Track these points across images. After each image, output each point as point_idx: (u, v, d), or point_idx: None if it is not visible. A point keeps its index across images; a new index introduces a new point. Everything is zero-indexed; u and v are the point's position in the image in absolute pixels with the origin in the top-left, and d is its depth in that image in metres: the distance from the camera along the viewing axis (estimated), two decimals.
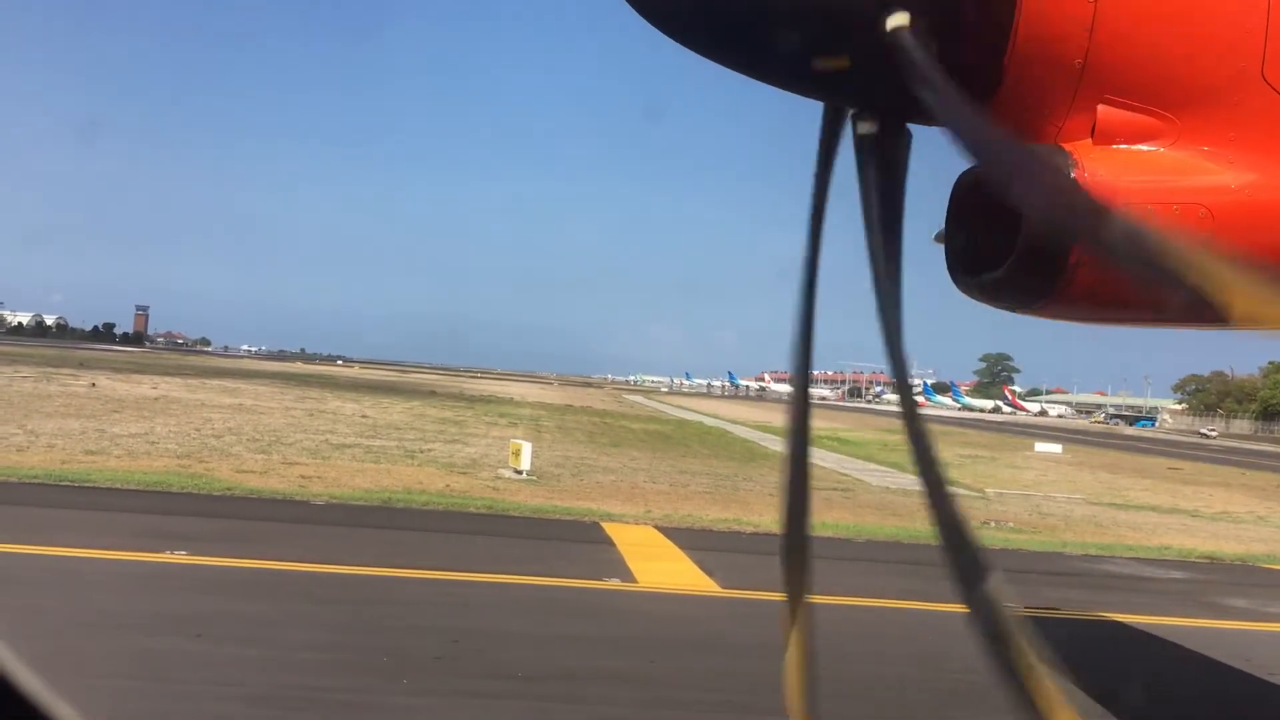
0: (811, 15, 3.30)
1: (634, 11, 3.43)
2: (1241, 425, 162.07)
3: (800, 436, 3.85)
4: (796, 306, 3.78)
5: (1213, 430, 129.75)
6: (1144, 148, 3.46)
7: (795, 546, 3.68)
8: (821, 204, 3.70)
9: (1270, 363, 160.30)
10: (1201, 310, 3.54)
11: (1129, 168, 3.45)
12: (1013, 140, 3.31)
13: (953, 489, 2.94)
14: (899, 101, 3.35)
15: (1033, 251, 3.47)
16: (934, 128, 3.71)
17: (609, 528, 18.88)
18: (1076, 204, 3.08)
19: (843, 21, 3.31)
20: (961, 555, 2.83)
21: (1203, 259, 2.57)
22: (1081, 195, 3.10)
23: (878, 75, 3.33)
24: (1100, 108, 3.47)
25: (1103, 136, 3.48)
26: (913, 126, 3.58)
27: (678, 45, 3.49)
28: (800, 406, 3.89)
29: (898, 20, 3.23)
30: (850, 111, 3.59)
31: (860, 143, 3.52)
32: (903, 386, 3.43)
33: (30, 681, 1.95)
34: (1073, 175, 3.31)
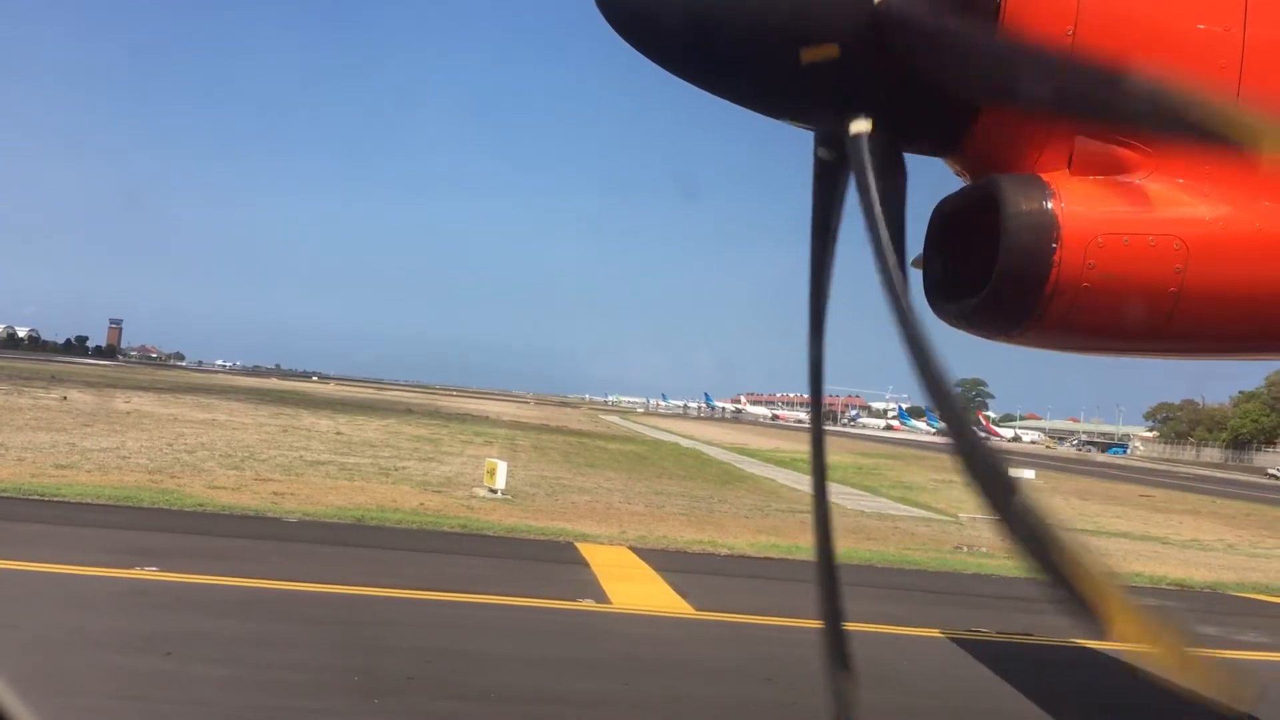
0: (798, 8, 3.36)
1: (626, 42, 3.47)
2: (1212, 453, 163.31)
3: (820, 474, 3.94)
4: (808, 344, 3.81)
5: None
6: (1120, 179, 3.51)
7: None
8: (828, 239, 3.73)
9: (1241, 392, 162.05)
10: (1175, 334, 3.59)
11: (1105, 198, 3.50)
12: (1024, 44, 3.36)
13: (972, 422, 3.00)
14: (885, 104, 3.40)
15: (1009, 281, 3.52)
16: (917, 155, 3.76)
17: (583, 548, 18.82)
18: (1096, 77, 3.14)
19: (831, 7, 3.35)
20: (985, 475, 2.87)
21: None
22: (1099, 68, 3.16)
23: (866, 67, 3.36)
24: (1077, 139, 3.52)
25: (1080, 167, 3.53)
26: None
27: (667, 74, 3.52)
28: (817, 441, 3.96)
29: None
30: (845, 131, 3.61)
31: (857, 151, 3.55)
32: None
33: (8, 698, 1.94)
34: (1087, 61, 3.34)
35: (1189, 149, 3.45)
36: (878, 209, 3.25)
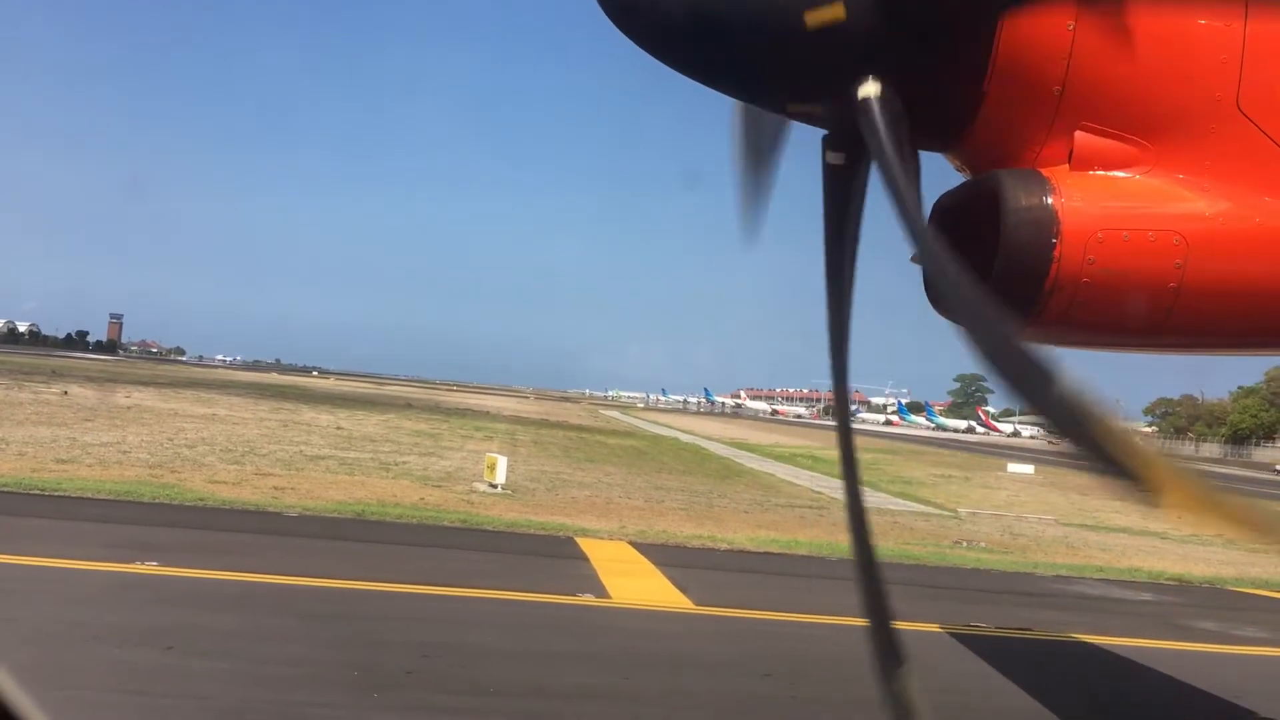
0: (787, 58, 3.34)
1: (628, 39, 3.46)
2: (1211, 449, 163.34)
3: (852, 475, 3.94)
4: (829, 343, 3.79)
5: None
6: (1120, 174, 3.52)
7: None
8: (845, 242, 3.72)
9: (1240, 387, 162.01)
10: (1176, 330, 3.58)
11: (1105, 193, 3.50)
12: (945, 256, 3.32)
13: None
14: (896, 64, 3.38)
15: (1009, 276, 3.52)
16: (920, 151, 3.76)
17: (583, 543, 18.83)
18: (1014, 354, 3.09)
19: (818, 71, 3.35)
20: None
21: (1135, 446, 2.62)
22: (1020, 349, 3.09)
23: (850, 122, 3.35)
24: (1078, 134, 3.52)
25: (1080, 162, 3.53)
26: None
27: (665, 70, 3.51)
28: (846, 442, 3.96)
29: (868, 90, 3.28)
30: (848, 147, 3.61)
31: (827, 170, 3.55)
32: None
33: (10, 689, 1.94)
34: (1011, 322, 3.30)
35: (1189, 144, 3.45)
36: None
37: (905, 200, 3.17)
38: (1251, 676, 13.59)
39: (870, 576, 3.87)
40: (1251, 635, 16.24)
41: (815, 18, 3.29)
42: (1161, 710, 11.87)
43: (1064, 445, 2.74)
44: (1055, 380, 2.79)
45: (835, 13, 3.30)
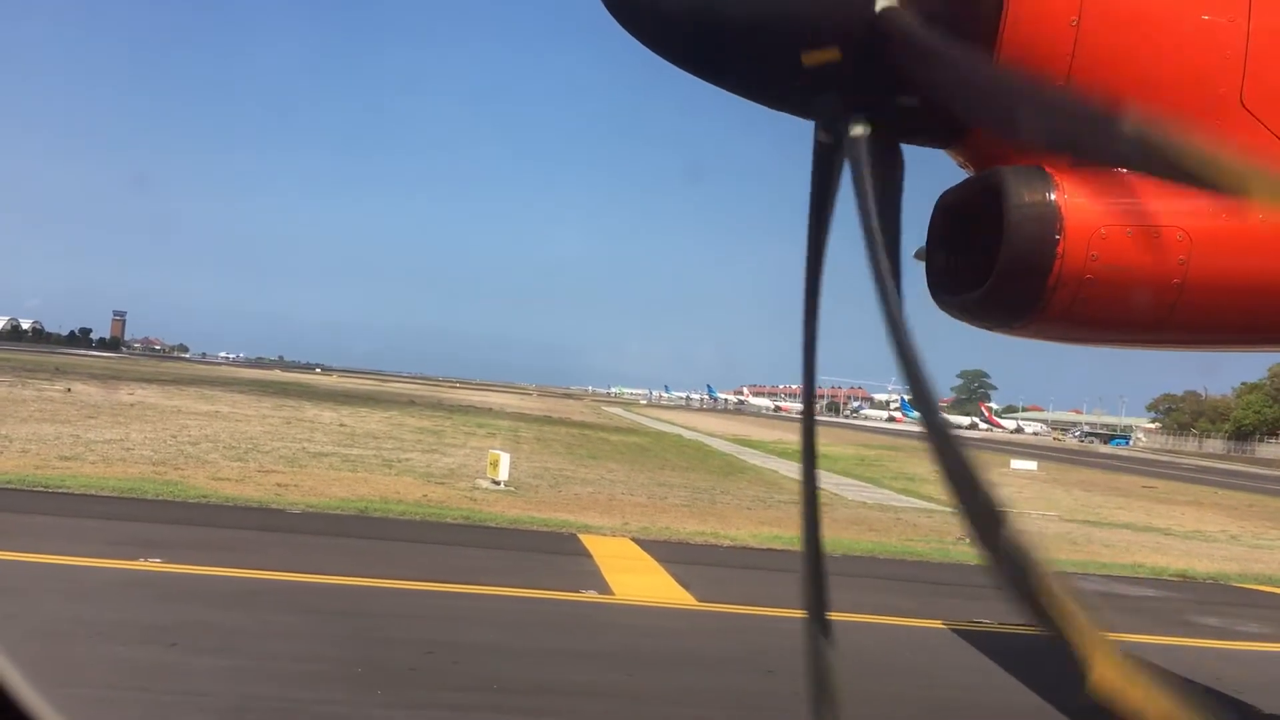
0: (796, 15, 3.32)
1: (629, 34, 3.46)
2: (1215, 445, 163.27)
3: (809, 458, 3.92)
4: (802, 331, 3.78)
5: None
6: (1124, 170, 3.50)
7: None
8: (823, 223, 3.71)
9: (1243, 383, 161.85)
10: (1179, 324, 3.56)
11: (1109, 189, 3.49)
12: (1019, 78, 3.31)
13: (964, 443, 2.94)
14: (885, 102, 3.37)
15: (1011, 273, 3.51)
16: (918, 147, 3.75)
17: (586, 539, 18.84)
18: (1089, 123, 3.08)
19: (831, 15, 3.32)
20: (976, 509, 2.82)
21: (1217, 158, 2.60)
22: (1093, 114, 3.09)
23: (867, 71, 3.34)
24: None
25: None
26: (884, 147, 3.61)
27: (674, 69, 3.51)
28: (808, 423, 3.94)
29: (858, 131, 3.28)
30: (846, 125, 3.59)
31: (818, 150, 3.54)
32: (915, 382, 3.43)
33: (18, 684, 1.95)
34: (1084, 100, 3.30)
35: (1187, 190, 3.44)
36: (874, 218, 3.22)
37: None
38: (1254, 672, 13.59)
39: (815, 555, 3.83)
40: (1255, 631, 16.24)
41: (811, 59, 3.32)
42: None
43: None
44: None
45: (830, 55, 3.33)
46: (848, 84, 3.38)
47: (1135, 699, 2.35)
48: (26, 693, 1.97)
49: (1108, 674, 2.40)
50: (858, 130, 3.35)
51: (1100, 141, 3.00)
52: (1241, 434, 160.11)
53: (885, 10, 3.23)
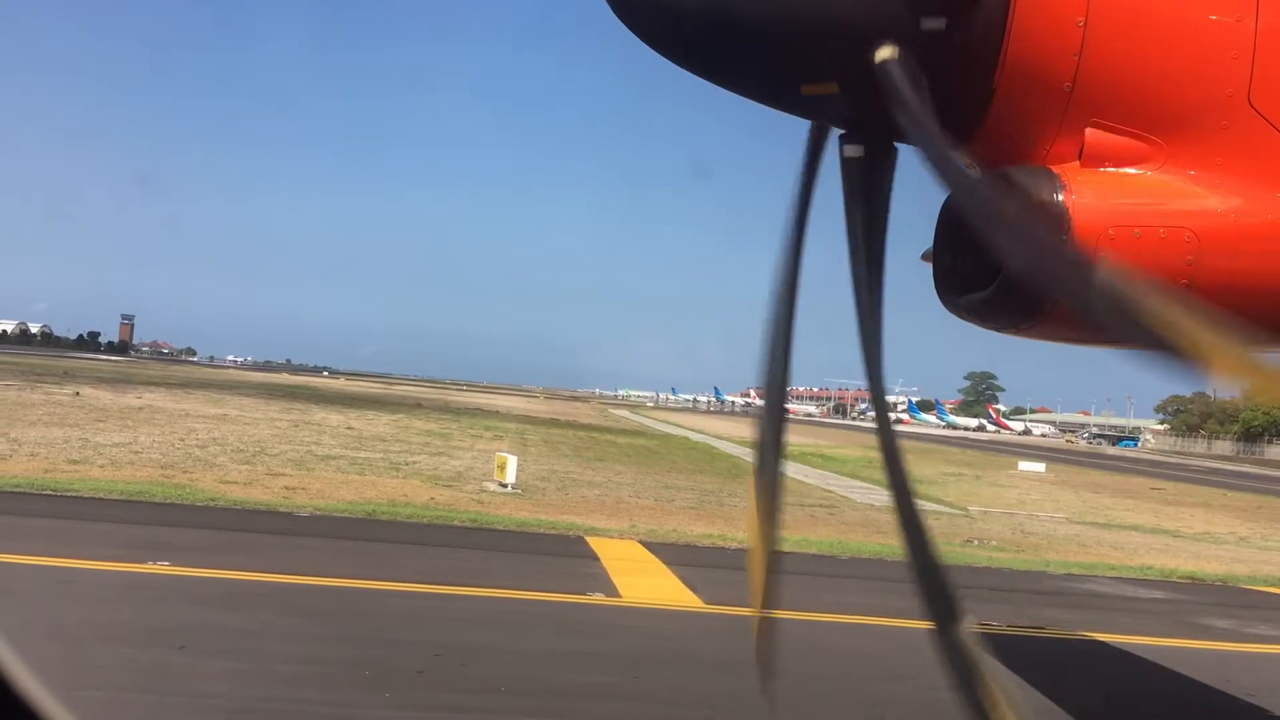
0: (802, 43, 3.33)
1: (631, 31, 3.47)
2: (1223, 446, 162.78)
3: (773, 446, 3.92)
4: (774, 316, 3.79)
5: None
6: (1131, 171, 3.50)
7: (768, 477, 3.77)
8: (803, 219, 3.73)
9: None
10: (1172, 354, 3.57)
11: (1116, 190, 3.48)
12: (989, 181, 3.33)
13: (925, 519, 2.97)
14: (885, 125, 3.38)
15: (1019, 274, 3.50)
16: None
17: (593, 542, 18.84)
18: (1051, 251, 3.10)
19: (833, 49, 3.34)
20: (934, 596, 2.83)
21: (1179, 323, 2.59)
22: (1062, 253, 3.12)
23: (865, 100, 3.36)
24: (1088, 131, 3.50)
25: (1090, 159, 3.51)
26: (901, 147, 3.62)
27: (675, 67, 3.52)
28: (775, 412, 3.94)
29: (886, 53, 3.26)
30: (837, 132, 3.63)
31: (846, 165, 3.55)
32: (879, 405, 3.45)
33: (29, 684, 1.96)
34: (1047, 223, 3.32)
35: (1200, 140, 3.44)
36: (859, 230, 3.24)
37: (939, 143, 3.15)
38: (1264, 674, 13.54)
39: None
40: (1265, 633, 16.17)
41: (810, 90, 3.36)
42: (1174, 708, 11.83)
43: (1110, 333, 2.73)
44: (1095, 272, 2.78)
45: (828, 89, 3.36)
46: (847, 111, 3.41)
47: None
48: (39, 693, 1.98)
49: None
50: (852, 151, 3.39)
51: (1064, 284, 3.03)
52: (1250, 435, 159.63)
53: (882, 64, 3.25)
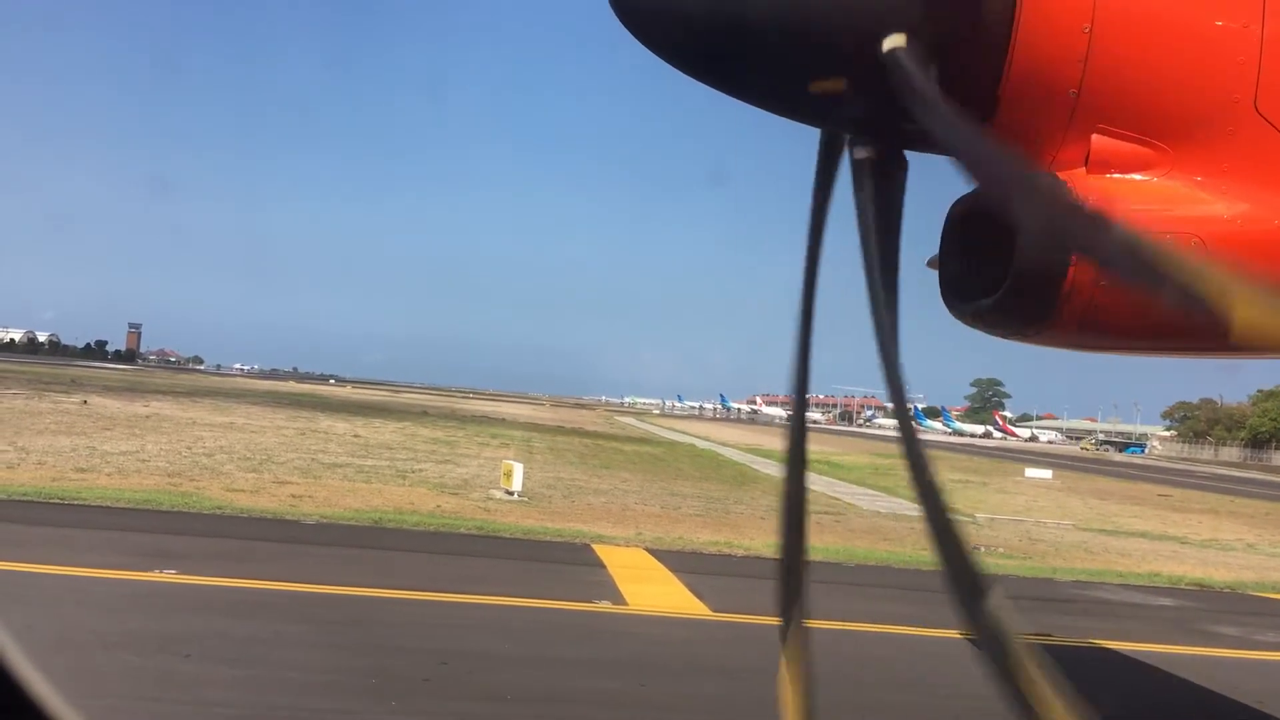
0: (808, 37, 3.33)
1: (635, 38, 3.47)
2: (1230, 452, 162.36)
3: (798, 460, 3.86)
4: (795, 328, 3.79)
5: None
6: (1137, 177, 3.49)
7: (792, 569, 3.69)
8: (820, 227, 3.72)
9: (1259, 390, 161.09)
10: (1195, 331, 3.57)
11: (1122, 197, 3.47)
12: (1010, 157, 3.32)
13: (952, 510, 2.92)
14: (895, 126, 3.38)
15: (1025, 280, 3.49)
16: (929, 154, 3.75)
17: (600, 550, 18.83)
18: (1075, 220, 3.09)
19: (839, 43, 3.33)
20: (962, 578, 2.81)
21: (1204, 271, 2.58)
22: (1080, 211, 3.11)
23: (874, 98, 3.36)
24: (1094, 137, 3.49)
25: (1096, 165, 3.50)
26: (908, 154, 3.61)
27: (685, 76, 3.52)
28: (798, 428, 3.90)
29: (894, 41, 3.25)
30: (847, 137, 3.62)
31: (857, 169, 3.54)
32: (900, 411, 3.43)
33: (42, 689, 1.96)
34: (1070, 192, 3.32)
35: (1207, 146, 3.43)
36: (872, 235, 3.23)
37: (957, 122, 3.14)
38: (1272, 681, 13.49)
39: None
40: (1272, 640, 16.12)
41: (817, 88, 3.34)
42: (1183, 715, 11.78)
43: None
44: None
45: (835, 86, 3.35)
46: (856, 109, 3.39)
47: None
48: (53, 699, 1.98)
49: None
50: (863, 154, 3.37)
51: (1087, 240, 3.03)
52: (1258, 441, 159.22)
53: (890, 53, 3.23)
